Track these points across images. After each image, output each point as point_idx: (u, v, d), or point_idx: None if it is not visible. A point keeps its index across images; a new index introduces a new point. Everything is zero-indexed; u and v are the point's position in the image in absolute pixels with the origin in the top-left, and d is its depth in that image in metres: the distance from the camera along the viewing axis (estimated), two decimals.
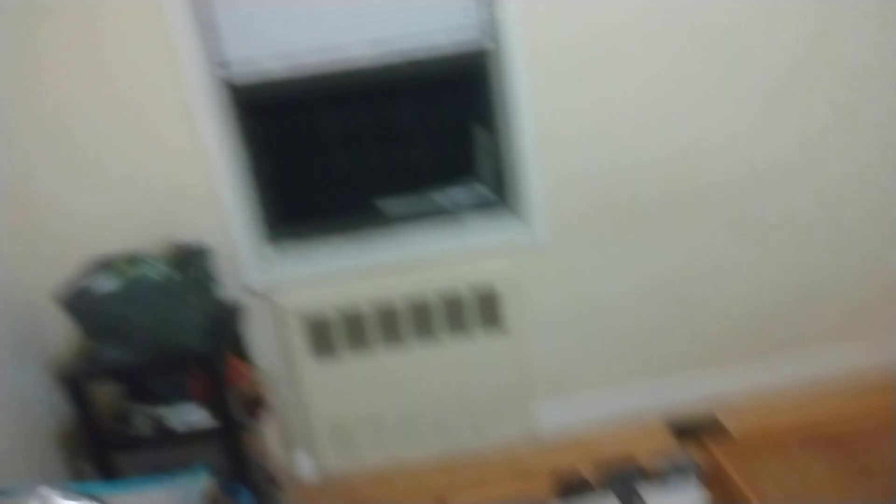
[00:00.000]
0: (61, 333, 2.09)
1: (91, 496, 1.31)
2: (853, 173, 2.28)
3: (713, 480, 1.76)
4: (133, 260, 1.91)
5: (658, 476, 2.12)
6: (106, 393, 2.05)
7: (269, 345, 2.20)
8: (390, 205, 2.29)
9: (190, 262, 1.88)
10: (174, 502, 1.41)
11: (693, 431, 2.30)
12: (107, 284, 1.81)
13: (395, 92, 2.17)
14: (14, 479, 1.74)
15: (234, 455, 1.87)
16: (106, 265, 1.92)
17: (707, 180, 2.23)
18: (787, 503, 1.55)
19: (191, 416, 1.88)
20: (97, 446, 1.83)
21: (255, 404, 2.00)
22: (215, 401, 1.84)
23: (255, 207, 2.17)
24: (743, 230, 2.31)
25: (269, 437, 1.99)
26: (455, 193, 2.30)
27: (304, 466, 2.34)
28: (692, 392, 2.48)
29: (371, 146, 2.23)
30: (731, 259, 2.34)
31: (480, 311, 2.21)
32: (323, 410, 2.25)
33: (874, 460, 1.67)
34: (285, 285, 2.15)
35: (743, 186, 2.25)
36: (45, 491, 1.28)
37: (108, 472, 1.85)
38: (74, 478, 2.01)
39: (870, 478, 1.61)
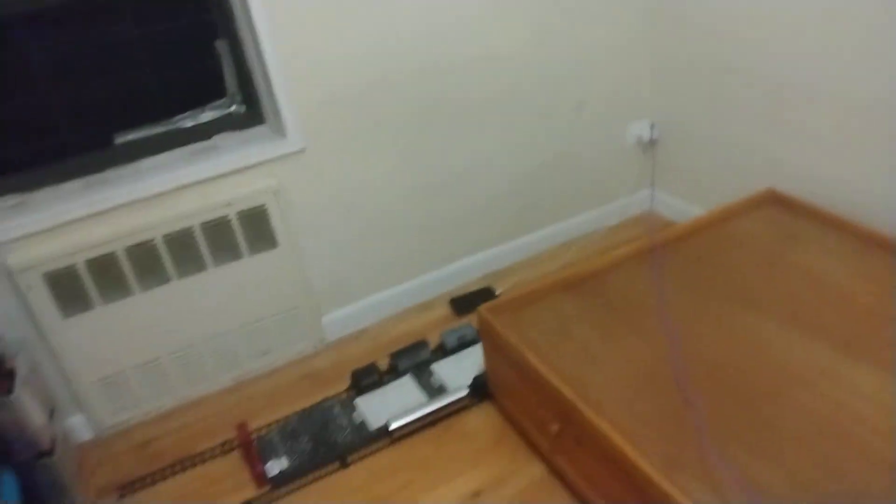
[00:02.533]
0: None
1: None
2: (582, 59, 2.48)
3: (487, 339, 1.92)
4: None
5: (445, 348, 2.26)
6: None
7: (8, 309, 1.93)
8: (129, 137, 2.06)
9: None
10: None
11: (471, 304, 2.47)
12: None
13: (117, 9, 1.90)
14: None
15: None
16: None
17: (462, 86, 2.29)
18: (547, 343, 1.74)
19: None
20: None
21: None
22: None
23: None
24: (498, 126, 2.44)
25: (27, 408, 1.78)
26: (202, 114, 2.13)
27: (80, 427, 2.15)
28: (467, 275, 2.65)
29: (99, 75, 1.96)
30: (481, 153, 2.47)
31: (248, 232, 2.12)
32: (86, 367, 2.05)
33: (614, 293, 1.92)
34: (15, 242, 1.87)
35: (494, 88, 2.36)
36: None
37: None
38: None
39: (611, 308, 1.86)
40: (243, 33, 2.02)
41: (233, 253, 2.12)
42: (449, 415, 2.04)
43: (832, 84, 2.03)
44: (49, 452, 1.84)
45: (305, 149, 2.14)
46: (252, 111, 2.16)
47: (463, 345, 2.28)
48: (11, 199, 1.93)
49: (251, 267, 2.16)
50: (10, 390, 1.76)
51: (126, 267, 1.99)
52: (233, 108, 2.17)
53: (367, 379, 2.18)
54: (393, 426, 1.97)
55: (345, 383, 2.23)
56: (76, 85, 1.96)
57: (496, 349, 1.87)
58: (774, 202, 2.22)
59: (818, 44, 2.03)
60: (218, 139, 2.13)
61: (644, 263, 2.01)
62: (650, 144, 2.82)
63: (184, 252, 2.05)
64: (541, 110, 2.52)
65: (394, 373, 2.21)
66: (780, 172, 2.30)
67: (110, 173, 2.02)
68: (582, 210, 2.82)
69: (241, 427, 2.03)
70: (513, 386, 1.86)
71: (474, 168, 2.48)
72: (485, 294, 2.55)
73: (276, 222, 2.15)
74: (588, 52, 2.51)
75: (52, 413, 1.97)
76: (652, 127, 2.77)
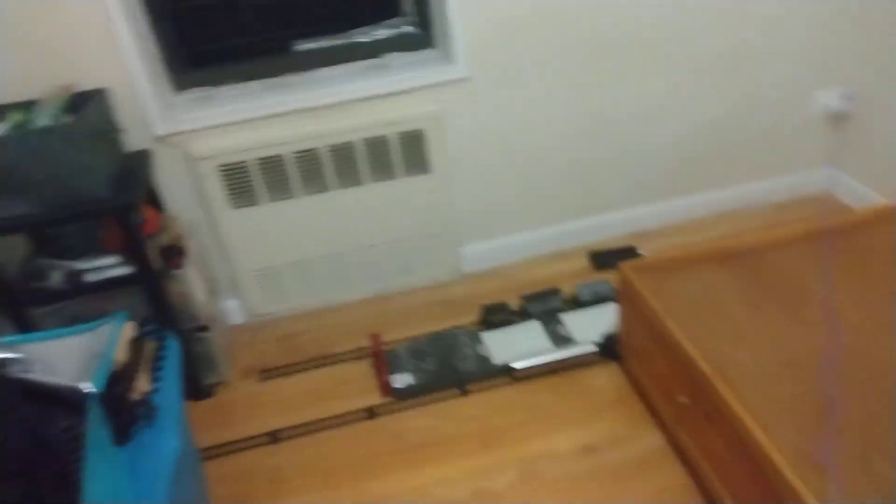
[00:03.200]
0: None
1: (6, 346, 1.28)
2: (779, 16, 2.25)
3: (625, 299, 1.87)
4: (24, 107, 1.75)
5: (578, 301, 2.24)
6: (15, 249, 1.96)
7: (185, 194, 2.12)
8: (307, 46, 2.14)
9: (86, 107, 1.74)
10: (93, 346, 1.40)
11: (612, 260, 2.40)
12: None
13: None
14: None
15: (156, 302, 1.85)
16: None
17: (637, 23, 2.16)
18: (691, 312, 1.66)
19: (106, 266, 1.83)
20: (9, 302, 1.78)
21: (173, 253, 1.96)
22: (131, 251, 1.79)
23: (159, 51, 1.99)
24: (671, 73, 2.29)
25: (193, 284, 1.97)
26: (376, 31, 2.17)
27: (234, 311, 2.36)
28: (611, 230, 2.57)
29: None
30: (658, 101, 2.34)
31: (404, 153, 2.16)
32: (247, 257, 2.23)
33: (773, 272, 1.79)
34: (197, 132, 2.04)
35: (672, 29, 2.21)
36: None
37: (25, 326, 1.81)
38: None
39: (767, 288, 1.74)
40: None
41: (387, 172, 2.19)
42: (573, 367, 2.03)
43: None
44: (206, 328, 2.04)
45: (471, 77, 2.13)
46: (424, 33, 2.17)
47: (597, 300, 2.24)
48: (199, 92, 2.09)
49: (403, 188, 2.22)
50: (180, 266, 1.95)
51: (292, 170, 2.11)
52: (406, 28, 2.18)
53: (496, 315, 2.21)
54: (516, 365, 1.99)
55: (474, 316, 2.27)
56: None
57: (633, 310, 1.82)
58: None
59: None
60: (388, 58, 2.16)
61: (811, 247, 1.85)
62: (839, 117, 2.54)
63: (344, 164, 2.14)
64: (718, 57, 2.32)
65: (523, 315, 2.22)
66: None
67: (287, 78, 2.12)
68: (749, 179, 2.62)
69: (375, 338, 2.14)
70: (645, 350, 1.81)
71: (640, 114, 2.36)
72: (627, 252, 2.47)
73: (432, 148, 2.18)
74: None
75: (212, 293, 2.17)
76: (844, 97, 2.48)
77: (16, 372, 1.27)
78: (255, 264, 2.26)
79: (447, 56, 2.13)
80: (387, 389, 2.01)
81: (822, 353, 1.51)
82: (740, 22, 2.26)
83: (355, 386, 2.07)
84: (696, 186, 2.58)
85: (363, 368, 2.13)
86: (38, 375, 1.27)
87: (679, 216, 2.62)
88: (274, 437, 1.94)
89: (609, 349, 2.02)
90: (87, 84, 1.87)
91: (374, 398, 2.02)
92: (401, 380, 2.04)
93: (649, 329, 1.73)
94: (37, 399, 1.27)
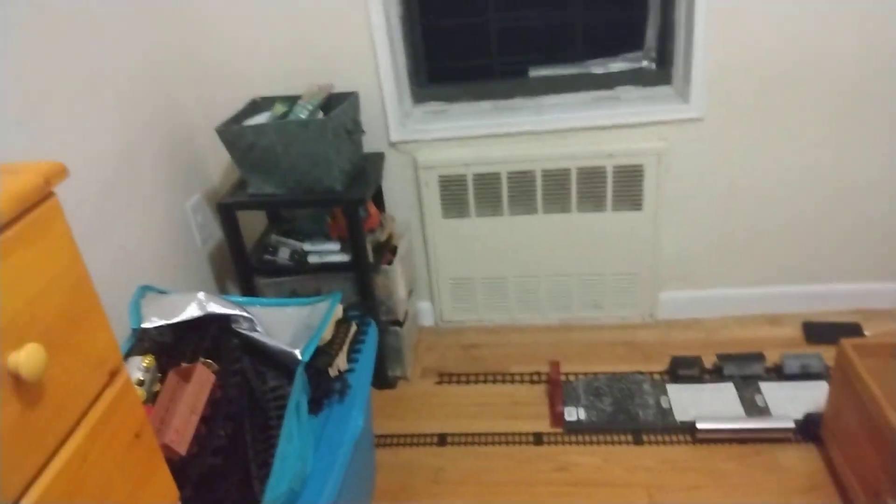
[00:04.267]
0: (222, 167, 2.27)
1: (239, 305, 1.47)
2: None
3: (840, 378, 1.68)
4: (288, 101, 2.00)
5: (782, 371, 2.05)
6: (256, 223, 2.24)
7: (406, 198, 2.28)
8: (542, 72, 2.21)
9: (338, 107, 1.94)
10: (307, 319, 1.55)
11: (830, 335, 2.17)
12: (260, 120, 1.92)
13: None
14: (174, 285, 1.98)
15: (364, 291, 2.00)
16: (264, 105, 2.04)
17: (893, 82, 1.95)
18: None
19: (327, 251, 2.02)
20: (243, 269, 2.03)
21: (386, 249, 2.11)
22: (351, 241, 1.96)
23: (406, 65, 2.17)
24: None
25: (396, 282, 2.11)
26: (612, 63, 2.18)
27: (426, 313, 2.48)
28: (831, 303, 2.32)
29: (529, 5, 2.12)
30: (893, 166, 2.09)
31: (618, 187, 2.14)
32: (446, 265, 2.34)
33: None
34: (427, 143, 2.18)
35: None
36: (203, 295, 1.45)
37: (251, 293, 2.05)
38: (222, 294, 2.26)
39: None
40: None
41: (596, 204, 2.17)
42: (763, 440, 1.86)
43: None
44: (400, 323, 2.17)
45: (704, 118, 2.05)
46: (661, 70, 2.13)
47: (804, 374, 2.03)
48: (434, 106, 2.24)
49: (610, 222, 2.19)
50: (390, 262, 2.10)
51: (505, 190, 2.17)
52: (643, 63, 2.16)
53: (686, 369, 2.09)
54: (700, 426, 1.87)
55: (662, 365, 2.17)
56: (510, 13, 2.14)
57: (847, 391, 1.63)
58: None
59: None
60: (620, 90, 2.16)
61: None
62: None
63: (556, 190, 2.16)
64: None
65: (717, 374, 2.08)
66: None
67: (517, 101, 2.20)
68: None
69: (554, 366, 2.13)
70: (852, 437, 1.61)
71: (885, 182, 2.11)
72: (849, 329, 2.21)
73: (649, 186, 2.12)
74: None
75: (409, 293, 2.30)
76: None
77: (243, 329, 1.45)
78: (453, 273, 2.36)
79: (682, 94, 2.07)
80: (558, 420, 1.99)
81: None
82: None
83: (527, 409, 2.08)
84: None
85: (537, 393, 2.13)
86: (260, 336, 1.44)
87: None
88: (442, 439, 2.01)
89: (809, 429, 1.83)
90: (342, 86, 2.09)
91: (544, 425, 2.01)
92: (574, 413, 2.01)
93: (862, 415, 1.54)
94: (255, 355, 1.45)
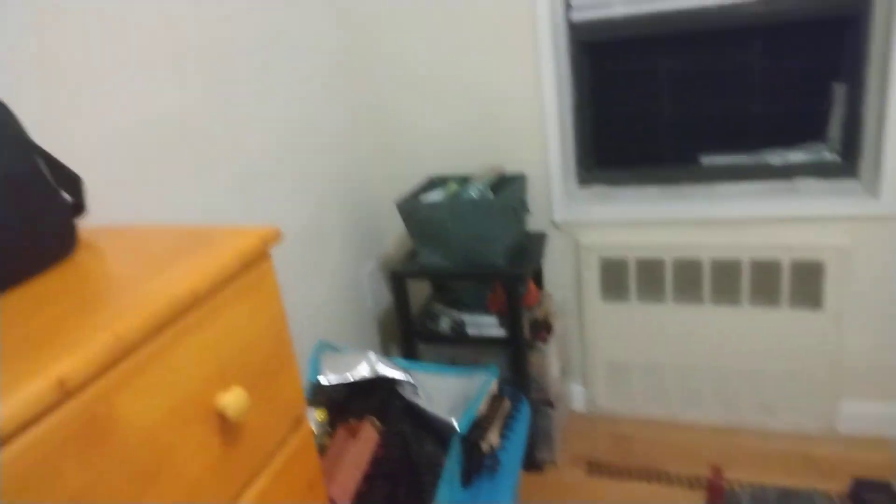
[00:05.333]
0: (396, 236, 2.42)
1: (404, 369, 1.54)
2: None
3: None
4: (461, 180, 2.12)
5: None
6: (422, 290, 2.34)
7: (565, 278, 2.29)
8: (714, 160, 2.16)
9: (507, 187, 2.02)
10: (464, 389, 1.58)
11: None
12: (435, 196, 2.04)
13: (741, 36, 2.01)
14: (346, 341, 2.11)
15: (518, 368, 2.01)
16: (440, 182, 2.17)
17: None
18: None
19: (486, 325, 2.06)
20: (407, 333, 2.12)
21: (543, 328, 2.11)
22: (509, 316, 1.99)
23: (574, 150, 2.23)
24: None
25: (550, 361, 2.09)
26: (790, 154, 2.09)
27: (577, 397, 2.42)
28: None
29: (705, 94, 2.11)
30: None
31: (796, 282, 2.01)
32: (604, 349, 2.29)
33: None
34: (590, 225, 2.19)
35: None
36: (373, 356, 1.53)
37: (412, 356, 2.13)
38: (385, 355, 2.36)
39: None
40: (871, 79, 1.88)
41: (771, 299, 2.05)
42: None
43: None
44: (552, 404, 2.13)
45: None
46: (847, 163, 2.01)
47: None
48: (599, 189, 2.26)
49: (784, 319, 2.05)
50: (545, 340, 2.09)
51: (668, 276, 2.12)
52: (826, 154, 2.05)
53: (872, 494, 1.86)
54: None
55: (842, 485, 1.94)
56: (684, 101, 2.14)
57: None
58: None
59: None
60: (799, 182, 2.05)
61: None
62: None
63: (725, 281, 2.07)
64: None
65: None
66: None
67: (687, 188, 2.16)
68: None
69: (717, 471, 1.98)
70: None
71: None
72: None
73: (831, 284, 1.97)
74: None
75: (562, 374, 2.27)
76: None
77: (406, 392, 1.50)
78: (609, 357, 2.30)
79: (872, 189, 1.93)
80: None
81: None
82: None
83: None
84: None
85: (695, 499, 1.98)
86: (422, 402, 1.48)
87: None
88: None
89: None
90: (511, 168, 2.18)
91: None
92: None
93: None
94: (415, 419, 1.49)
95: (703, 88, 2.11)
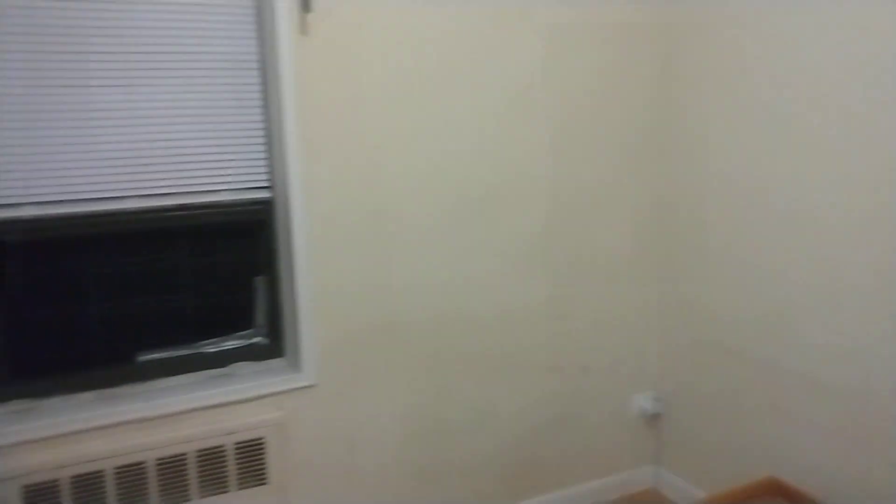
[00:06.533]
0: None
1: None
2: (591, 326, 2.64)
3: None
4: None
5: None
6: None
7: None
8: (153, 356, 2.14)
9: None
10: None
11: None
12: None
13: (166, 238, 2.12)
14: None
15: None
16: None
17: (472, 332, 2.44)
18: None
19: None
20: None
21: None
22: None
23: None
24: (495, 373, 2.51)
25: None
26: (226, 342, 2.23)
27: None
28: None
29: (138, 293, 2.11)
30: (488, 401, 2.51)
31: (240, 464, 2.08)
32: None
33: None
34: (9, 448, 1.86)
35: (490, 331, 2.48)
36: None
37: None
38: None
39: None
40: (283, 273, 2.20)
41: (219, 485, 2.06)
42: None
43: (834, 375, 2.10)
44: None
45: (317, 384, 2.20)
46: (274, 344, 2.26)
47: None
48: (19, 405, 1.96)
49: (236, 501, 2.08)
50: None
51: (111, 488, 1.93)
52: (256, 339, 2.26)
53: None
54: None
55: None
56: (115, 301, 2.09)
57: None
58: (775, 491, 2.17)
59: (820, 332, 2.15)
60: (235, 367, 2.20)
61: None
62: (654, 418, 2.82)
63: (172, 479, 2.00)
64: (547, 369, 2.59)
65: None
66: (782, 460, 2.28)
67: (125, 389, 2.06)
68: (583, 480, 2.73)
69: None
70: None
71: (480, 417, 2.49)
72: None
73: (272, 458, 2.12)
74: (598, 319, 2.66)
75: None
76: (656, 400, 2.79)
77: None
78: None
79: (295, 365, 2.21)
80: None
81: None
82: (562, 336, 2.59)
83: None
84: (540, 486, 2.64)
85: None
86: None
87: None
88: None
89: None
90: None
91: None
92: None
93: None
94: None
95: (137, 287, 2.10)
